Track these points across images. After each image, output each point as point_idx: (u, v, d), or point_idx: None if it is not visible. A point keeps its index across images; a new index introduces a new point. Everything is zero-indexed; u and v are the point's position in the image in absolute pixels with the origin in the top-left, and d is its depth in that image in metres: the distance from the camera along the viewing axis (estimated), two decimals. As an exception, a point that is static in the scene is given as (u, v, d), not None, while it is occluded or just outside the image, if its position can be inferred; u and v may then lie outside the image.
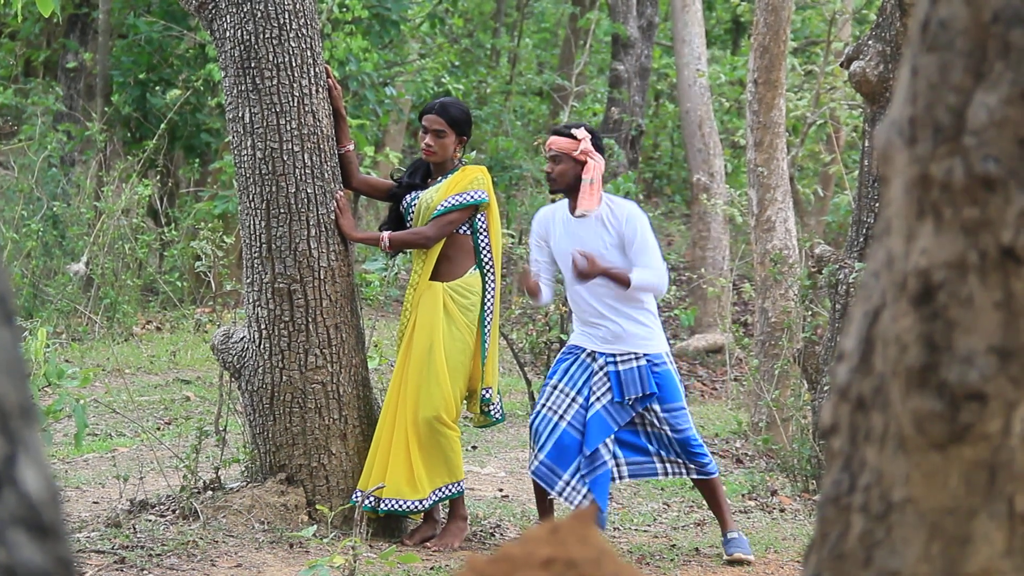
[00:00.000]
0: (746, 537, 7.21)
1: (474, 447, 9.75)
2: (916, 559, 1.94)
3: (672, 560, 7.08)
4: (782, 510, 8.35)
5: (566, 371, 7.15)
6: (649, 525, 7.91)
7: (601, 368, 7.07)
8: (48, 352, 6.21)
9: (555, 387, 7.13)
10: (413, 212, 7.23)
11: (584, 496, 7.00)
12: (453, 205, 7.10)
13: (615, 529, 7.69)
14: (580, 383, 7.09)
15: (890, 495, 1.97)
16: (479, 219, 7.19)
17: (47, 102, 16.55)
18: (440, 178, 7.24)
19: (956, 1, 1.94)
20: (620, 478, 7.13)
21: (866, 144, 8.62)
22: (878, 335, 2.00)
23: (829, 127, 16.18)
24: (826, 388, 8.19)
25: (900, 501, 1.96)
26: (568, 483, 7.03)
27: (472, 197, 7.10)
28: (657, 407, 7.03)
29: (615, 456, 7.09)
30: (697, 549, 7.31)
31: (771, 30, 10.74)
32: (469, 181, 7.15)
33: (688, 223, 19.59)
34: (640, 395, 7.01)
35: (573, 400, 7.08)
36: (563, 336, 11.66)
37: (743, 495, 8.55)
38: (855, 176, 10.51)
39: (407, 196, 7.30)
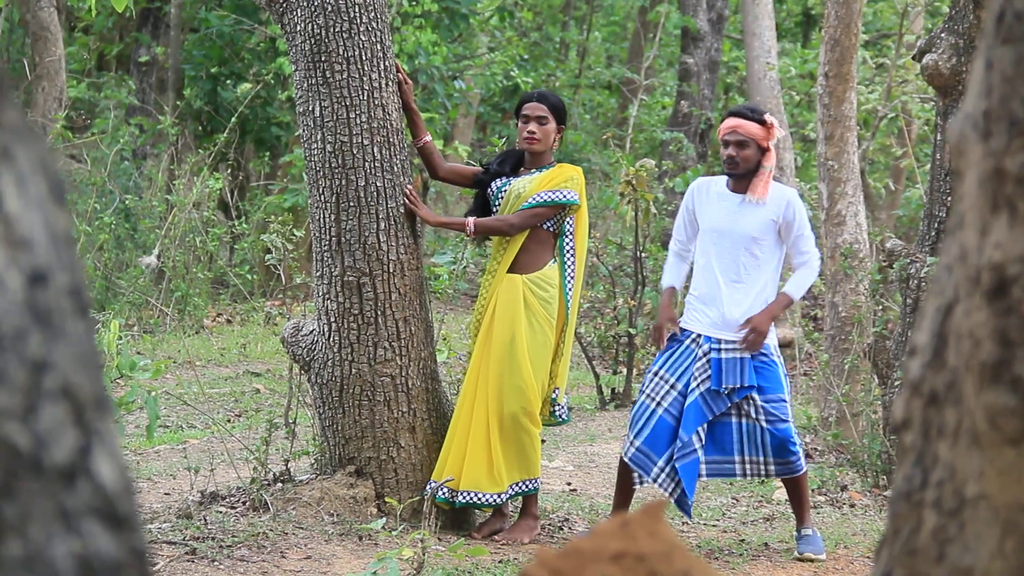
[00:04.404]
0: (819, 534, 7.16)
1: (543, 440, 9.75)
2: (990, 555, 1.93)
3: (741, 555, 7.06)
4: (852, 505, 8.31)
5: (668, 357, 7.10)
6: (718, 520, 7.89)
7: (705, 354, 6.99)
8: (120, 344, 6.27)
9: (656, 374, 7.08)
10: (501, 199, 7.19)
11: (676, 483, 6.97)
12: (544, 201, 7.04)
13: (683, 524, 7.67)
14: (681, 370, 7.02)
15: (963, 491, 1.95)
16: (568, 222, 7.15)
17: (120, 96, 16.71)
18: (534, 170, 7.20)
19: (1032, -7, 1.92)
20: (699, 476, 7.07)
21: (938, 138, 8.55)
22: (951, 330, 1.98)
23: (900, 120, 16.07)
24: (897, 383, 8.13)
25: (973, 497, 1.94)
26: (663, 469, 6.99)
27: (564, 196, 7.05)
28: (757, 397, 6.97)
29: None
30: (766, 544, 7.29)
31: (842, 23, 10.66)
32: (564, 179, 7.08)
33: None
34: (737, 385, 6.95)
35: (672, 387, 7.01)
36: (631, 330, 11.63)
37: (813, 490, 8.51)
38: (927, 170, 10.44)
39: (495, 182, 7.25)
